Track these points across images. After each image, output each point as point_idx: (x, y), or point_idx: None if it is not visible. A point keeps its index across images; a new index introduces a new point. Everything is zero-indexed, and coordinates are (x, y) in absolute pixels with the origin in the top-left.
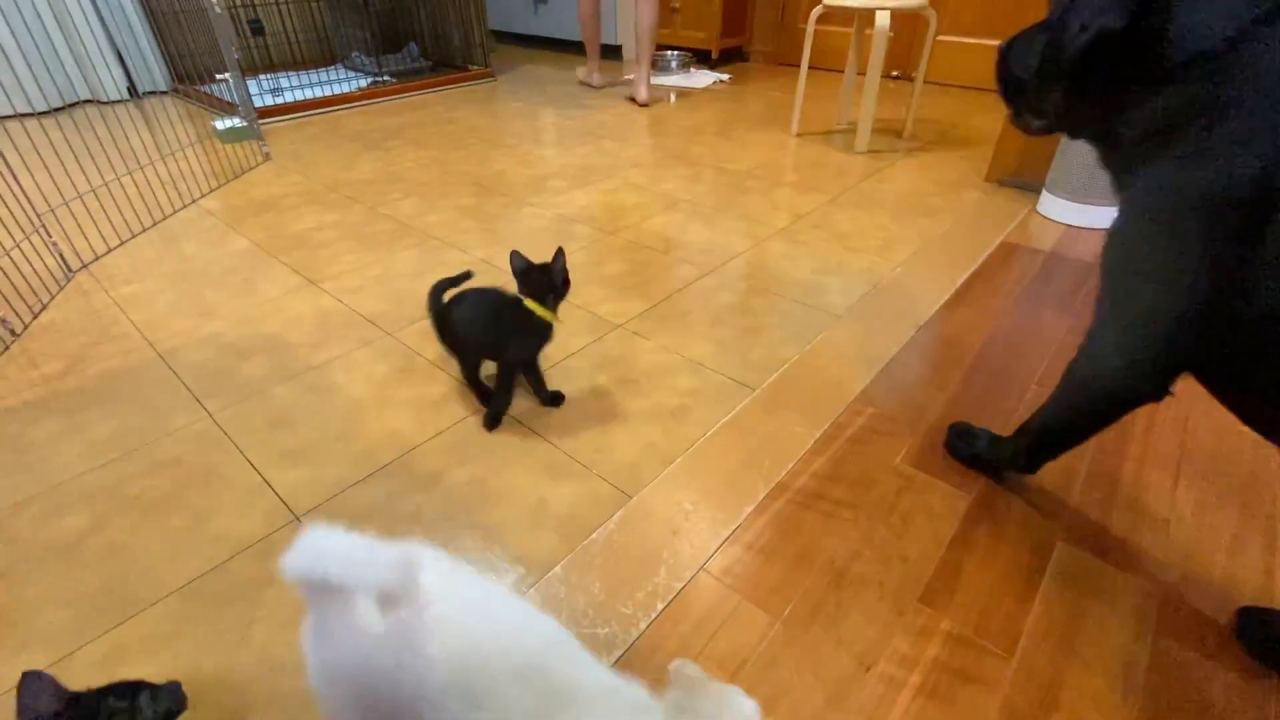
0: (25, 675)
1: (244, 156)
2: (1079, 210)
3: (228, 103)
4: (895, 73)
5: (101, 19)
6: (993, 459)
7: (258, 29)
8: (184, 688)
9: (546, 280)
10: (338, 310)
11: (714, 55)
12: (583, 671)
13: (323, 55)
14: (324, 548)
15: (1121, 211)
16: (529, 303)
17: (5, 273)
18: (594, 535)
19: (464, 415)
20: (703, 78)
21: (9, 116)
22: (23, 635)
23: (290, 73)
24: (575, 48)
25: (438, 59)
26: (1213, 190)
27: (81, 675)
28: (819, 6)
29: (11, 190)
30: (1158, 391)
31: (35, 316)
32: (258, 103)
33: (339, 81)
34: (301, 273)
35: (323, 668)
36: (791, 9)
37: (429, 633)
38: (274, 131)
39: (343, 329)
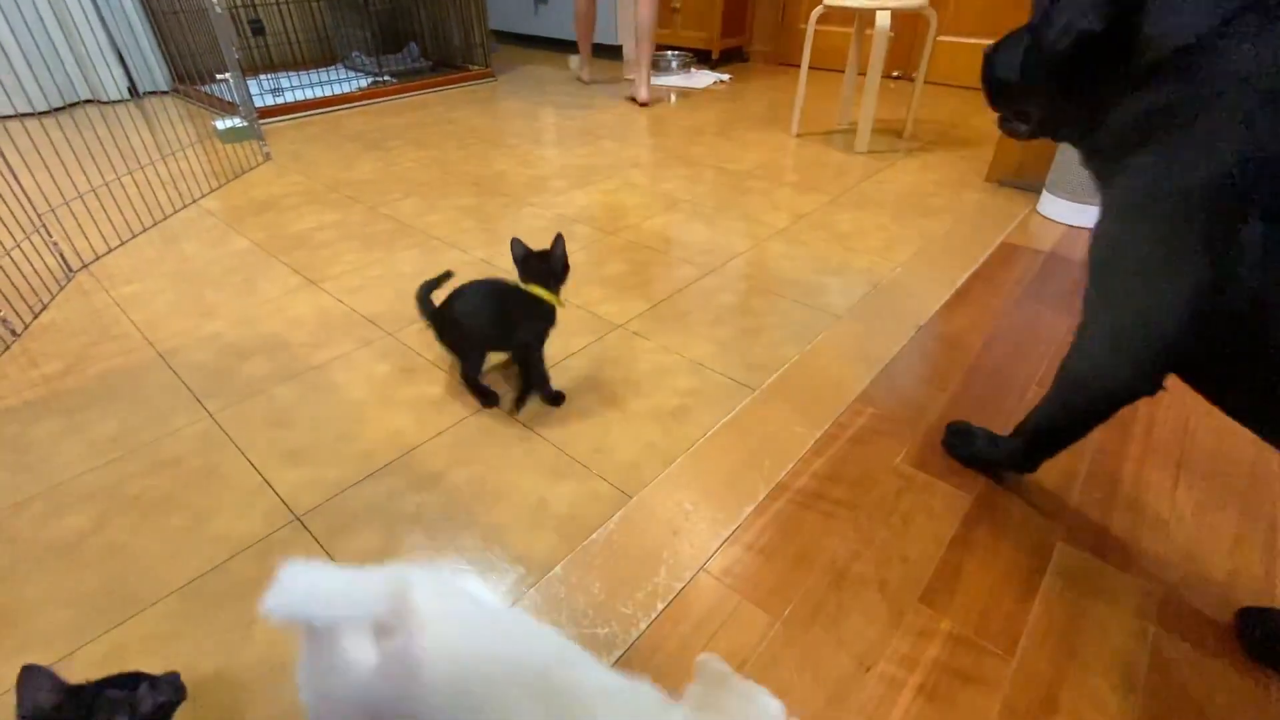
0: (24, 669)
1: (244, 156)
2: (1079, 210)
3: (228, 103)
4: (896, 73)
5: (102, 19)
6: (991, 458)
7: (258, 29)
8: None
9: (546, 266)
10: (338, 310)
11: (714, 55)
12: (590, 676)
13: (323, 55)
14: (304, 586)
15: (1103, 210)
16: (533, 287)
17: (6, 272)
18: (594, 535)
19: (464, 415)
20: (703, 78)
21: (9, 116)
22: (23, 635)
23: (291, 73)
24: (575, 48)
25: (438, 59)
26: (1189, 187)
27: (82, 675)
28: (819, 6)
29: (12, 190)
30: (1149, 384)
31: (36, 316)
32: (258, 103)
33: (339, 81)
34: (302, 273)
35: (320, 704)
36: (792, 9)
37: (426, 658)
38: (274, 131)
39: (343, 329)
